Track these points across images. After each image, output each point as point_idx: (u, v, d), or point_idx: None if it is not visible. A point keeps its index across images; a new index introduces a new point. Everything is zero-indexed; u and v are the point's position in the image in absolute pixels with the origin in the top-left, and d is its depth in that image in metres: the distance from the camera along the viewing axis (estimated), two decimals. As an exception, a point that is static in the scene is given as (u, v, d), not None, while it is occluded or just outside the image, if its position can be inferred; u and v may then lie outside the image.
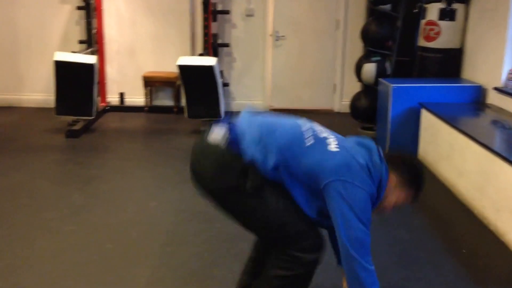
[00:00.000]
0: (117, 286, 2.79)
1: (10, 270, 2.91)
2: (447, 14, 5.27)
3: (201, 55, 6.11)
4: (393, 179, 2.09)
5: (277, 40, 6.89)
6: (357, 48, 6.36)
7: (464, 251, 3.25)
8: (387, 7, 5.55)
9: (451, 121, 4.30)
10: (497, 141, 3.91)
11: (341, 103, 6.99)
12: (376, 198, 2.06)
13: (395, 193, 2.12)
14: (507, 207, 3.30)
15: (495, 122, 4.39)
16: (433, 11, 5.34)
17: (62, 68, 5.35)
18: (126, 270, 2.95)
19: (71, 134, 5.49)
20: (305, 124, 2.20)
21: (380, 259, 3.13)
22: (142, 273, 2.91)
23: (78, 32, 6.63)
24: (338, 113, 6.99)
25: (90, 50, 6.19)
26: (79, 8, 6.44)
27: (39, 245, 3.20)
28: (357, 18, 6.59)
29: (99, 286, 2.78)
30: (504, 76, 4.68)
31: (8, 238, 3.28)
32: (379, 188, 2.05)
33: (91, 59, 5.47)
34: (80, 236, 3.33)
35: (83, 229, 3.43)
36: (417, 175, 2.16)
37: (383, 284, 2.66)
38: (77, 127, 5.61)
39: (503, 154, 3.37)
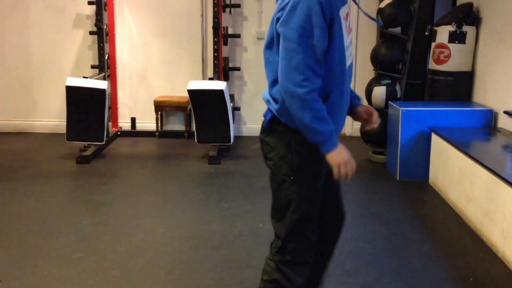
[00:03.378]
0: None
1: (16, 299, 2.93)
2: (457, 37, 5.26)
3: (210, 79, 6.16)
4: None
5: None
6: (368, 71, 6.35)
7: (471, 279, 3.19)
8: (397, 30, 5.55)
9: (461, 146, 4.26)
10: (506, 166, 3.86)
11: (353, 127, 6.97)
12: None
13: None
14: (517, 235, 3.26)
15: (504, 147, 4.34)
16: (443, 34, 5.33)
17: (73, 93, 5.43)
18: (131, 299, 2.95)
19: (82, 159, 5.54)
20: None
21: (388, 286, 3.10)
22: (147, 303, 2.91)
23: (91, 57, 6.74)
24: (350, 137, 6.96)
25: (102, 75, 6.28)
26: (92, 33, 6.55)
27: (47, 272, 3.21)
28: (368, 41, 6.60)
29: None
30: (514, 99, 4.65)
31: (16, 265, 3.30)
32: None
33: (103, 84, 5.54)
34: (87, 263, 3.34)
35: (91, 256, 3.43)
36: None
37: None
38: (87, 152, 5.66)
39: (510, 179, 3.33)
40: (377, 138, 5.72)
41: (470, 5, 5.35)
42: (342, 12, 2.03)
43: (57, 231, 3.86)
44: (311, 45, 1.93)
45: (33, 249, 3.54)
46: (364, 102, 5.98)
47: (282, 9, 1.99)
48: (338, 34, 2.01)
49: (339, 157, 2.03)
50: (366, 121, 2.34)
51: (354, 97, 2.35)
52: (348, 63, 2.12)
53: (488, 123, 4.95)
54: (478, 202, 3.85)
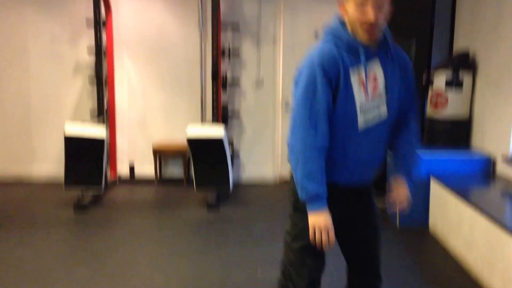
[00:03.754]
0: None
1: None
2: (454, 83, 5.32)
3: (209, 122, 6.19)
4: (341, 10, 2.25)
5: (287, 108, 6.98)
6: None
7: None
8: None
9: (459, 193, 4.25)
10: (504, 213, 3.84)
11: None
12: (342, 62, 2.15)
13: (349, 8, 2.21)
14: (518, 284, 3.21)
15: (503, 194, 4.33)
16: (440, 80, 5.39)
17: (72, 143, 5.45)
18: None
19: (80, 208, 5.52)
20: None
21: None
22: None
23: (90, 104, 6.81)
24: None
25: (101, 122, 6.31)
26: (91, 80, 6.63)
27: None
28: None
29: None
30: (512, 146, 4.66)
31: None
32: None
33: (101, 133, 5.56)
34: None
35: (85, 308, 3.39)
36: None
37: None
38: (85, 200, 5.64)
39: (509, 227, 3.31)
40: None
41: (466, 51, 5.43)
42: (356, 72, 2.12)
43: (54, 280, 3.81)
44: (313, 105, 2.06)
45: (27, 300, 3.49)
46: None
47: (298, 73, 2.18)
48: (343, 94, 2.09)
49: (316, 222, 2.11)
50: (393, 196, 2.40)
51: (401, 166, 2.40)
52: (365, 124, 2.16)
53: (486, 170, 4.95)
54: (478, 250, 3.81)
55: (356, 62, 2.11)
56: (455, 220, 4.29)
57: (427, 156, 5.06)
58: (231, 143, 6.69)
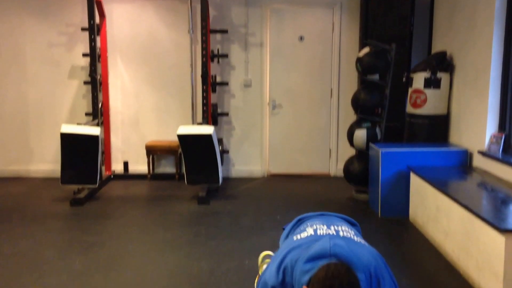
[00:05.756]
0: None
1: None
2: (432, 83, 5.57)
3: (199, 124, 6.41)
4: None
5: (274, 108, 7.21)
6: (350, 115, 6.65)
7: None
8: (376, 77, 5.87)
9: (437, 184, 4.48)
10: (479, 203, 4.07)
11: (337, 168, 7.22)
12: None
13: None
14: (488, 266, 3.44)
15: (478, 185, 4.58)
16: (419, 80, 5.64)
17: (68, 140, 5.66)
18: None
19: (76, 202, 5.73)
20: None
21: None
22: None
23: (85, 105, 7.03)
24: (335, 177, 7.20)
25: (96, 121, 6.52)
26: (86, 83, 6.87)
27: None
28: (350, 86, 6.96)
29: None
30: (487, 140, 4.90)
31: (10, 302, 3.44)
32: None
33: (96, 130, 5.77)
34: (79, 300, 3.47)
35: (82, 293, 3.57)
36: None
37: None
38: (81, 195, 5.85)
39: (483, 215, 3.53)
40: (359, 178, 5.95)
41: (444, 53, 5.69)
42: None
43: (51, 270, 4.00)
44: None
45: (27, 287, 3.67)
46: (346, 142, 6.24)
47: None
48: None
49: None
50: None
51: None
52: None
53: (463, 163, 5.20)
54: (455, 237, 4.04)
55: None
56: (433, 210, 4.53)
57: (407, 150, 5.30)
58: (220, 141, 6.91)
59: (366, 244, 2.22)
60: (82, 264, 4.12)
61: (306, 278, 1.96)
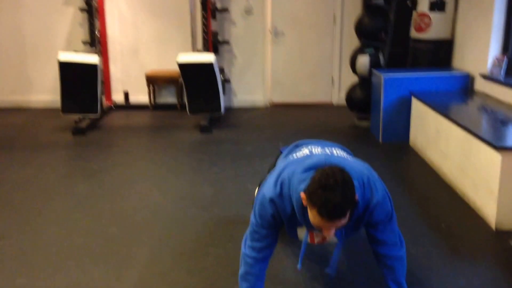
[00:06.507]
0: (120, 264, 2.99)
1: (20, 252, 3.13)
2: (437, 6, 5.44)
3: (199, 50, 6.32)
4: (304, 197, 1.99)
5: (276, 36, 7.09)
6: (353, 42, 6.54)
7: (443, 225, 3.44)
8: (380, 1, 5.73)
9: (438, 108, 4.48)
10: (477, 124, 4.09)
11: (340, 96, 7.18)
12: (292, 216, 2.15)
13: (310, 212, 1.97)
14: (484, 184, 3.49)
15: (479, 107, 4.57)
16: (424, 3, 5.50)
17: (66, 68, 5.61)
18: (129, 249, 3.15)
19: (77, 131, 5.75)
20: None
21: (363, 235, 3.32)
22: (144, 252, 3.11)
23: (82, 33, 6.90)
24: (337, 106, 7.19)
25: (94, 49, 6.44)
26: (82, 10, 6.71)
27: (46, 231, 3.41)
28: (354, 12, 6.78)
29: (103, 264, 2.99)
30: (490, 63, 4.85)
31: (18, 226, 3.50)
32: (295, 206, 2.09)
33: (94, 58, 5.71)
34: (85, 223, 3.54)
35: (89, 217, 3.64)
36: (316, 189, 1.89)
37: (365, 257, 2.86)
38: (83, 124, 5.87)
39: (481, 135, 3.55)
40: (362, 106, 5.94)
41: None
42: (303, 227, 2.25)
43: (56, 195, 4.07)
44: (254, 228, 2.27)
45: (34, 211, 3.75)
46: (349, 70, 6.18)
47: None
48: (288, 226, 2.25)
49: None
50: None
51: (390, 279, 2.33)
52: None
53: (465, 87, 5.17)
54: (453, 158, 4.08)
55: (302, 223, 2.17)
56: (433, 133, 4.55)
57: (410, 75, 5.26)
58: (222, 70, 6.85)
59: (360, 161, 2.31)
60: (86, 189, 4.18)
61: (302, 186, 2.03)
